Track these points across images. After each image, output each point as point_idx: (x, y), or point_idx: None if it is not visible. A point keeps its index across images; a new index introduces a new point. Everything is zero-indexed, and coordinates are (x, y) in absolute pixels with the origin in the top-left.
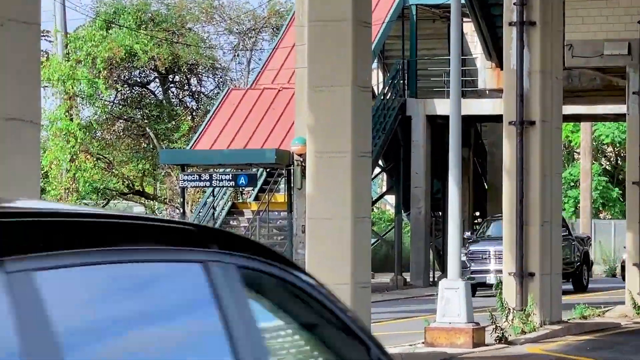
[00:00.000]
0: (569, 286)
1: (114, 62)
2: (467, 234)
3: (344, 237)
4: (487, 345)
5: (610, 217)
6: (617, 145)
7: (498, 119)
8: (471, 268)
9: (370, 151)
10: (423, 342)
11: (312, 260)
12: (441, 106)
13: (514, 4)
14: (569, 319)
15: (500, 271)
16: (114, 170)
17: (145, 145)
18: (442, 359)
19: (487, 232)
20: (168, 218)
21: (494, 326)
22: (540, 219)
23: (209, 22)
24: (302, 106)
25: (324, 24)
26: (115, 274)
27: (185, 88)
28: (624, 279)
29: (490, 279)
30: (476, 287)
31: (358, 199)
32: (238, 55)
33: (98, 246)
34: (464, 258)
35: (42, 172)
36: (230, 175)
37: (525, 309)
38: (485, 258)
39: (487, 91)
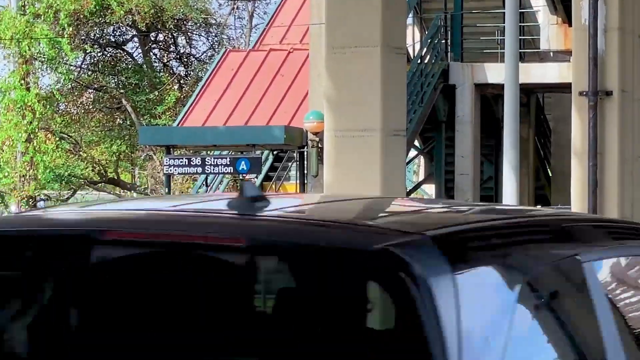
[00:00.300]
0: None
1: (82, 16)
2: None
3: None
4: None
5: None
6: None
7: (565, 88)
8: None
9: (405, 129)
10: None
11: None
12: (493, 72)
13: None
14: None
15: None
16: (81, 153)
17: (121, 122)
18: None
19: None
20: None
21: None
22: (619, 212)
23: None
24: (318, 71)
25: None
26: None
27: (171, 49)
28: None
29: None
30: None
31: (389, 189)
32: (237, 9)
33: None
34: None
35: None
36: (228, 159)
37: None
38: None
39: (551, 53)
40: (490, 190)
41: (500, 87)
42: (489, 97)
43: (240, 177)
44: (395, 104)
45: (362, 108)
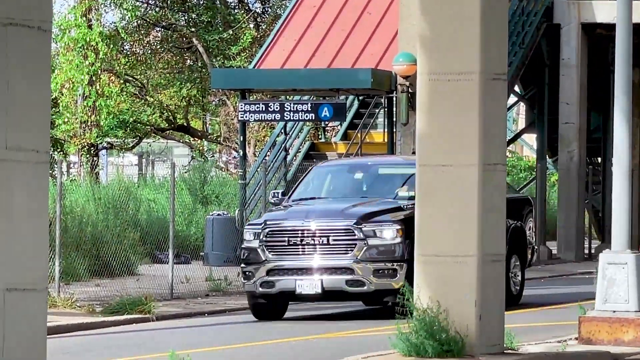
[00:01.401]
0: None
1: None
2: None
3: (469, 191)
4: None
5: None
6: None
7: None
8: None
9: (506, 72)
10: (576, 338)
11: (423, 223)
12: (603, 10)
13: None
14: None
15: None
16: (147, 98)
17: (192, 63)
18: None
19: None
20: None
21: None
22: None
23: None
24: (410, 9)
25: None
26: None
27: None
28: None
29: None
30: None
31: (489, 139)
32: None
33: None
34: None
35: (51, 99)
36: (309, 105)
37: None
38: None
39: None
40: (598, 141)
41: (611, 27)
42: (598, 39)
43: (323, 125)
44: (496, 44)
45: (459, 48)
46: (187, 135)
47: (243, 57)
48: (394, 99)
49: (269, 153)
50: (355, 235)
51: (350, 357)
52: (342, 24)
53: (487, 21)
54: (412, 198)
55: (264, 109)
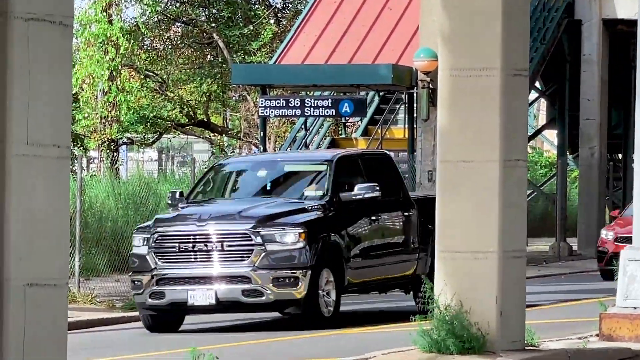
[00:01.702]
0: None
1: None
2: None
3: (490, 187)
4: None
5: None
6: None
7: None
8: None
9: (527, 68)
10: (597, 334)
11: (444, 218)
12: (624, 6)
13: None
14: None
15: None
16: (168, 93)
17: (212, 59)
18: (624, 357)
19: None
20: None
21: None
22: None
23: None
24: (430, 4)
25: None
26: None
27: None
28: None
29: None
30: None
31: (510, 135)
32: None
33: None
34: None
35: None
36: (330, 101)
37: None
38: None
39: None
40: (619, 138)
41: (632, 23)
42: (620, 35)
43: (343, 121)
44: (518, 39)
45: (481, 44)
46: (207, 131)
47: (263, 53)
48: (415, 94)
49: (289, 149)
50: (252, 240)
51: (370, 353)
52: (363, 20)
53: (509, 17)
54: (322, 197)
55: (284, 105)
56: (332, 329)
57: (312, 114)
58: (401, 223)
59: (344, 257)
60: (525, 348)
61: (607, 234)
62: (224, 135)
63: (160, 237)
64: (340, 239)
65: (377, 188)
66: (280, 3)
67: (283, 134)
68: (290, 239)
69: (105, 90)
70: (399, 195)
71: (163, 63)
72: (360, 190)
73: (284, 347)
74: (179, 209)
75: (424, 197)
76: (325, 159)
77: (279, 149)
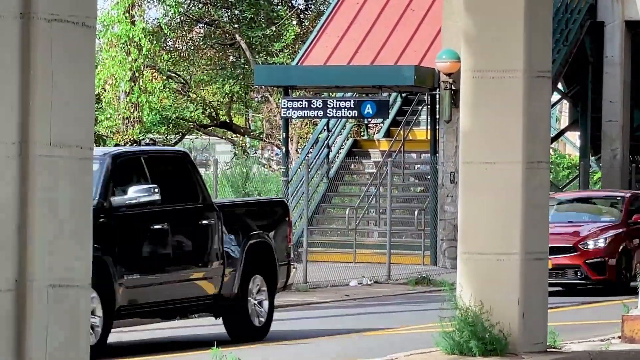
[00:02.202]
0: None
1: None
2: None
3: (513, 189)
4: None
5: None
6: None
7: None
8: None
9: (550, 70)
10: (619, 337)
11: (466, 220)
12: None
13: None
14: None
15: None
16: (190, 94)
17: (234, 60)
18: None
19: None
20: None
21: None
22: None
23: None
24: (453, 6)
25: None
26: None
27: None
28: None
29: None
30: None
31: (532, 136)
32: None
33: None
34: None
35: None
36: (352, 102)
37: None
38: None
39: None
40: None
41: None
42: None
43: (365, 122)
44: (541, 41)
45: (504, 46)
46: (229, 132)
47: (286, 54)
48: (437, 96)
49: (311, 150)
50: None
51: (392, 355)
52: (386, 21)
53: (532, 19)
54: None
55: (306, 106)
56: None
57: (334, 115)
58: (199, 234)
59: (113, 274)
60: (548, 350)
61: None
62: (246, 136)
63: None
64: (108, 253)
65: (157, 190)
66: (302, 4)
67: (305, 135)
68: None
69: (128, 91)
70: (197, 200)
71: (185, 64)
72: (135, 194)
73: None
74: None
75: (231, 203)
76: (96, 157)
77: (301, 150)
